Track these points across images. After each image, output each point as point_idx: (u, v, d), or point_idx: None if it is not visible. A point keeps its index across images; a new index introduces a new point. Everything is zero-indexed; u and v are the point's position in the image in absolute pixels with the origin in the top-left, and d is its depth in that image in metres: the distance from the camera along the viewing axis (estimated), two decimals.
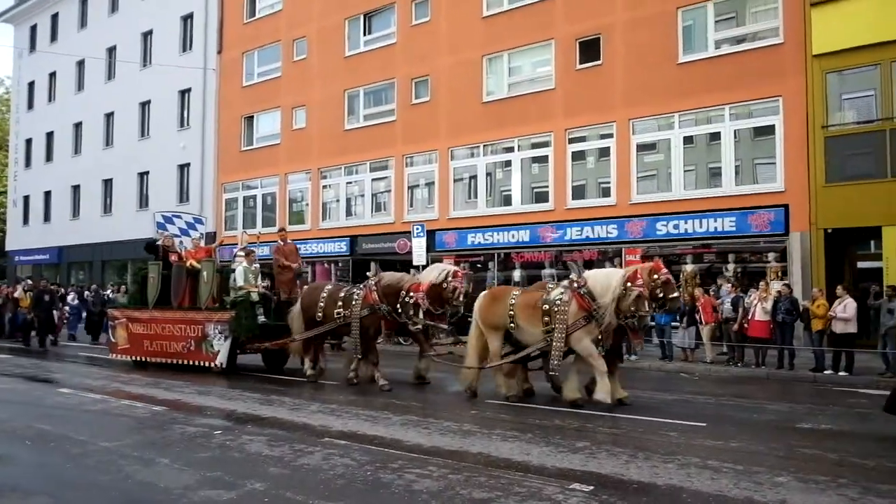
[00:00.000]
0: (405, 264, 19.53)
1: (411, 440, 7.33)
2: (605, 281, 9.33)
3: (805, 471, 6.08)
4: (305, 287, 13.41)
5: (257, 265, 13.76)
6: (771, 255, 16.87)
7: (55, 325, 20.18)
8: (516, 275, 20.48)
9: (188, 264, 13.95)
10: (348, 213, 25.21)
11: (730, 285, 15.32)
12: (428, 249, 20.26)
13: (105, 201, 34.11)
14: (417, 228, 19.70)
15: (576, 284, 9.51)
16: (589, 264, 19.06)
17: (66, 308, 21.76)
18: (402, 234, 22.10)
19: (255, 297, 12.97)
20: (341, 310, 11.54)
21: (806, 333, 13.78)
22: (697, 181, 18.05)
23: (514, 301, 9.91)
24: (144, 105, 32.34)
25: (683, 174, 18.08)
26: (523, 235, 20.32)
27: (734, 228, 16.94)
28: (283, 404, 9.72)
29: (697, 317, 14.50)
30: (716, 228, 17.18)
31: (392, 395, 10.59)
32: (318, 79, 25.70)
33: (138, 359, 14.35)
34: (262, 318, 12.96)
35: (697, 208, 17.50)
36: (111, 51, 33.95)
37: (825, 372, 12.69)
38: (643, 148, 18.82)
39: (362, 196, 24.89)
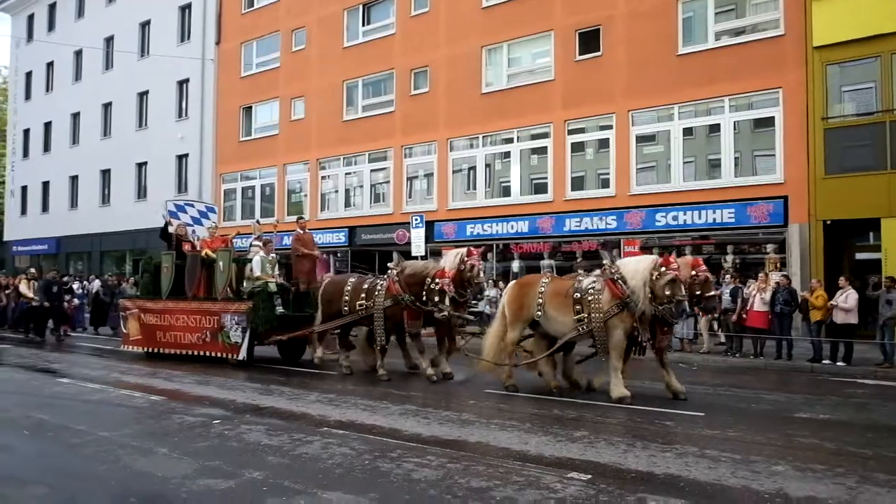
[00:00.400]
0: (404, 255, 19.48)
1: (410, 429, 7.34)
2: (634, 265, 9.15)
3: (802, 460, 6.09)
4: (326, 280, 13.09)
5: (274, 255, 13.48)
6: (770, 247, 16.88)
7: (67, 316, 19.91)
8: (515, 265, 20.50)
9: (203, 254, 13.68)
10: (347, 203, 25.19)
11: (728, 276, 15.32)
12: (427, 240, 20.23)
13: (103, 192, 34.06)
14: (416, 219, 19.68)
15: (609, 272, 9.33)
16: (589, 255, 19.12)
17: (76, 301, 21.56)
18: (400, 224, 22.07)
19: (272, 287, 12.73)
20: (364, 301, 11.45)
21: (804, 324, 13.80)
22: (697, 173, 18.03)
23: (543, 289, 9.68)
24: (142, 95, 32.25)
25: (683, 166, 18.07)
26: (522, 226, 20.31)
27: (733, 220, 16.94)
28: (282, 394, 9.73)
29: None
30: (715, 220, 17.18)
31: (391, 384, 10.62)
32: (317, 69, 25.61)
33: (151, 350, 14.09)
34: (280, 309, 12.74)
35: (697, 200, 17.49)
36: (109, 41, 33.80)
37: (824, 362, 12.71)
38: (642, 139, 18.79)
39: (361, 187, 24.86)
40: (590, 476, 5.58)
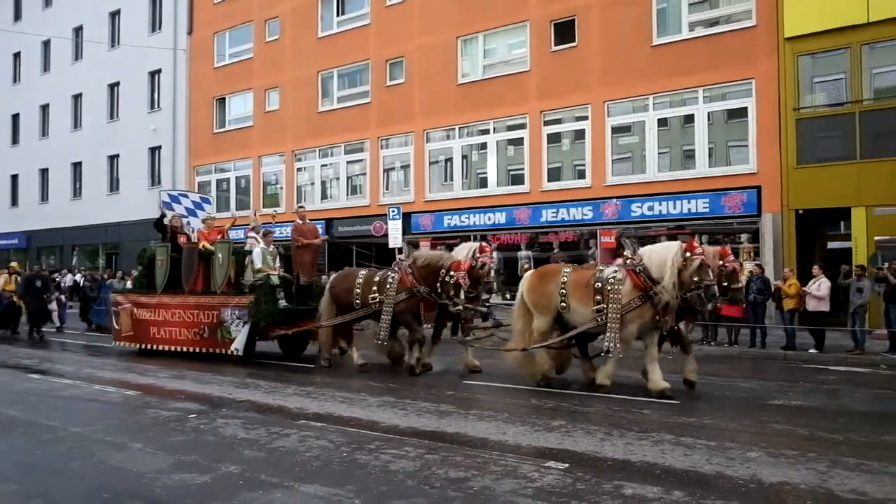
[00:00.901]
0: (381, 247, 19.44)
1: (388, 421, 7.32)
2: (661, 256, 8.70)
3: (776, 446, 6.18)
4: (335, 274, 12.78)
5: (274, 246, 13.15)
6: (743, 236, 17.08)
7: (48, 312, 19.33)
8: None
9: (201, 246, 13.14)
10: (323, 195, 25.03)
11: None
12: (404, 232, 20.18)
13: (74, 185, 33.52)
14: (393, 211, 19.60)
15: (631, 262, 9.05)
16: (564, 245, 19.22)
17: (62, 296, 20.98)
18: (377, 216, 22.00)
19: (275, 280, 12.35)
20: (377, 294, 11.09)
21: (777, 312, 14.00)
22: (671, 163, 18.18)
23: (565, 279, 9.32)
24: (113, 87, 31.73)
25: (658, 156, 18.20)
26: (499, 217, 20.34)
27: (707, 210, 17.12)
28: (258, 387, 9.66)
29: None
30: (689, 210, 17.34)
31: (369, 376, 10.58)
32: (291, 60, 25.36)
33: (143, 346, 13.60)
34: (283, 303, 12.38)
35: (671, 190, 17.63)
36: (78, 30, 33.18)
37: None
38: (618, 130, 18.89)
39: (337, 179, 24.71)
40: (567, 465, 5.61)
